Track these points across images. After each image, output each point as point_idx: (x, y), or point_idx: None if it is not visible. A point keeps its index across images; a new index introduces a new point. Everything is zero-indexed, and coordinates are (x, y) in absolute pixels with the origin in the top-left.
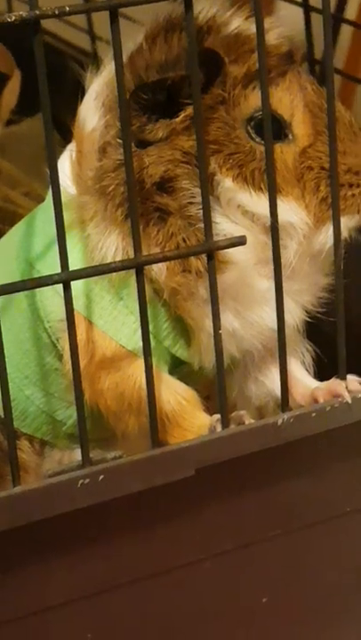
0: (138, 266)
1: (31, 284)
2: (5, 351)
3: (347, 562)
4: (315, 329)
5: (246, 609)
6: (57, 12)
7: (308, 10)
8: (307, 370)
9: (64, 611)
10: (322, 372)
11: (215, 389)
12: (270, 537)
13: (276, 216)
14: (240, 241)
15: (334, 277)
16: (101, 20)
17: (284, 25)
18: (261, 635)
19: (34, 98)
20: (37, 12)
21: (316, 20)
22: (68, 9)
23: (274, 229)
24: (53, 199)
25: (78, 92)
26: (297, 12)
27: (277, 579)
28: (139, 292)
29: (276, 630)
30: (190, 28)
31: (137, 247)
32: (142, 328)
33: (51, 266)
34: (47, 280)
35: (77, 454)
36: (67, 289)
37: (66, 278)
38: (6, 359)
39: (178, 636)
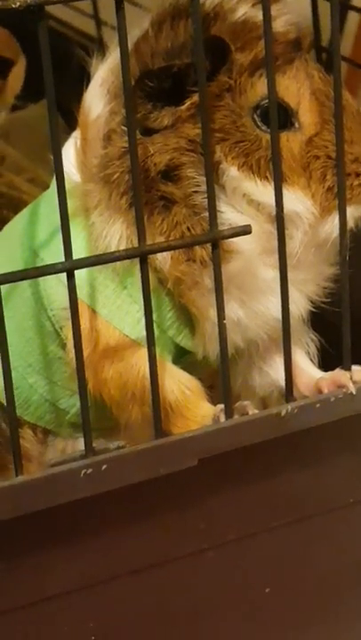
0: (142, 255)
1: (34, 272)
2: (9, 339)
3: (349, 553)
4: (320, 319)
5: (249, 599)
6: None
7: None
8: (311, 360)
9: (67, 600)
10: (329, 363)
11: (219, 379)
12: (273, 527)
13: (282, 205)
14: (245, 230)
15: (339, 267)
16: (107, 6)
17: (292, 11)
18: (264, 625)
19: (39, 83)
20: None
21: (324, 7)
22: None
23: (279, 219)
24: (57, 187)
25: (84, 78)
26: None
27: (280, 569)
28: (143, 281)
29: (278, 620)
30: (196, 15)
31: (141, 236)
32: (146, 317)
33: (55, 254)
34: (50, 269)
35: (81, 443)
36: (70, 278)
37: (69, 267)
38: (10, 347)
39: (180, 625)
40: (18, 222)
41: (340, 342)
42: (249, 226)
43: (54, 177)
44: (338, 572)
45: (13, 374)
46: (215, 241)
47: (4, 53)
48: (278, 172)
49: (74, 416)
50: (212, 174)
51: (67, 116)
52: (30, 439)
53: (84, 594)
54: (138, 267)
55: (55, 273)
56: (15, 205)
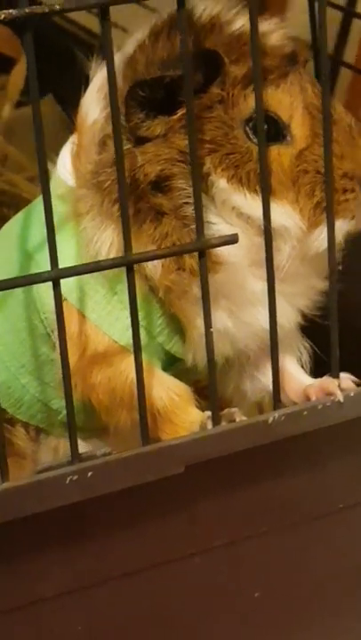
0: (128, 264)
1: (21, 281)
2: (2, 339)
3: (341, 557)
4: (314, 325)
5: (238, 603)
6: (47, 11)
7: (312, 3)
8: (303, 367)
9: (55, 603)
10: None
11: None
12: (261, 533)
13: (270, 219)
14: (232, 239)
15: (328, 279)
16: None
17: (291, 26)
18: (254, 629)
19: (43, 80)
20: (27, 11)
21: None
22: (57, 7)
23: (267, 232)
24: (43, 198)
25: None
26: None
27: (269, 574)
28: (129, 289)
29: (268, 625)
30: (183, 27)
31: (127, 245)
32: (132, 325)
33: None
34: (36, 278)
35: None
36: (56, 286)
37: (55, 276)
38: (4, 347)
39: (168, 629)
40: (15, 224)
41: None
42: (236, 235)
43: (52, 180)
44: (329, 576)
45: (6, 374)
46: (202, 250)
47: (6, 51)
48: (267, 185)
49: (65, 416)
50: (200, 184)
51: (73, 112)
52: (23, 437)
53: (73, 597)
54: (134, 274)
55: (41, 282)
56: (16, 204)
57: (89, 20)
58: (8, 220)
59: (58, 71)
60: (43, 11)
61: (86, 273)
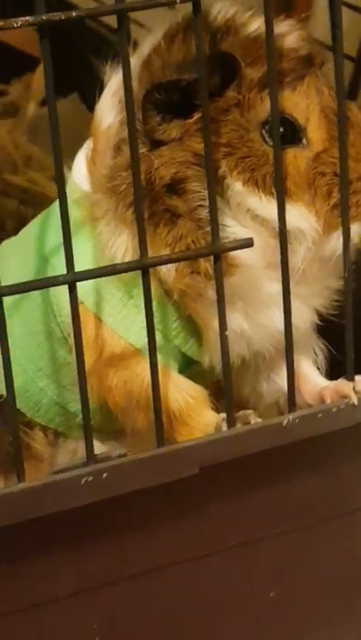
0: (143, 267)
1: (37, 284)
2: (20, 342)
3: (355, 558)
4: (331, 327)
5: (253, 603)
6: (63, 17)
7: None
8: (319, 368)
9: (71, 602)
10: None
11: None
12: (276, 534)
13: (285, 221)
14: (247, 243)
15: (344, 280)
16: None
17: (312, 27)
18: (269, 628)
19: (68, 79)
20: (44, 17)
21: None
22: (74, 13)
23: (282, 234)
24: (60, 203)
25: None
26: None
27: (284, 574)
28: (145, 292)
29: (283, 624)
30: (198, 32)
31: (142, 249)
32: (148, 328)
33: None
34: (53, 281)
35: None
36: (72, 290)
37: (71, 279)
38: (21, 350)
39: (183, 628)
40: (32, 228)
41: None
42: (251, 239)
43: (68, 184)
44: (343, 576)
45: (24, 377)
46: (217, 254)
47: (30, 51)
48: (281, 188)
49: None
50: (215, 187)
51: None
52: (41, 441)
53: (88, 596)
54: (149, 278)
55: (57, 285)
56: (40, 203)
57: (113, 19)
58: (31, 218)
59: (83, 71)
60: (59, 17)
61: (102, 276)
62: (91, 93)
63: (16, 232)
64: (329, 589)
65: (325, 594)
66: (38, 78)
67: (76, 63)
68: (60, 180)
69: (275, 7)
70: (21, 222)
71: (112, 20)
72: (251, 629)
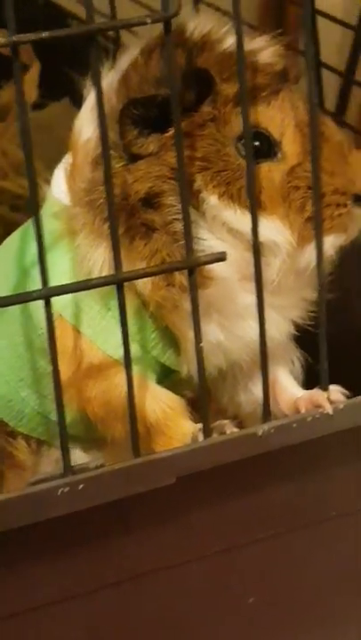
0: (118, 282)
1: (12, 300)
2: (1, 353)
3: (335, 563)
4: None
5: (233, 609)
6: (33, 38)
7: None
8: (296, 378)
9: (52, 610)
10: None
11: (212, 396)
12: (255, 540)
13: (258, 234)
14: (220, 257)
15: (318, 292)
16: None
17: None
18: (250, 634)
19: (61, 83)
20: (15, 39)
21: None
22: (45, 34)
23: (256, 248)
24: (34, 217)
25: None
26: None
27: (263, 580)
28: (120, 306)
29: (263, 630)
30: (170, 51)
31: (117, 264)
32: (124, 341)
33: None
34: (27, 297)
35: (74, 454)
36: (47, 305)
37: (45, 295)
38: (3, 361)
39: (166, 635)
40: (14, 239)
41: (339, 360)
42: (224, 253)
43: (47, 198)
44: (320, 582)
45: (7, 388)
46: (191, 267)
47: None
48: (254, 201)
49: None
50: (189, 202)
51: None
52: (24, 450)
53: (69, 605)
54: (124, 292)
55: (32, 300)
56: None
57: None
58: (21, 224)
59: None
60: (28, 39)
61: (76, 291)
62: (82, 98)
63: (6, 238)
64: (309, 595)
65: (305, 599)
66: (26, 88)
67: (68, 67)
68: (34, 195)
69: (267, 25)
70: (12, 228)
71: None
72: (232, 635)
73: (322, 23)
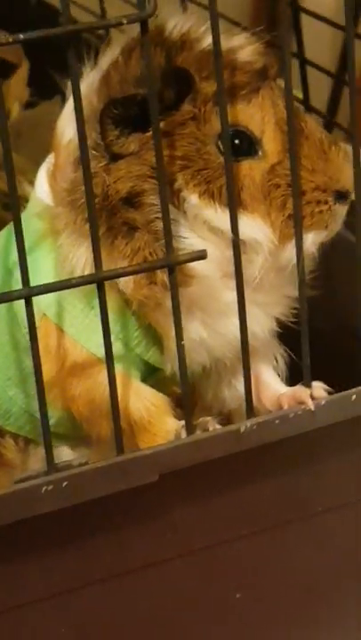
0: (98, 281)
1: None
2: None
3: (318, 561)
4: (294, 334)
5: (220, 604)
6: (10, 40)
7: (297, 10)
8: (279, 375)
9: (38, 607)
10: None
11: (197, 393)
12: (238, 536)
13: (238, 233)
14: (201, 255)
15: (298, 288)
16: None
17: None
18: (236, 629)
19: (51, 81)
20: None
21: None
22: (22, 36)
23: (236, 246)
24: (14, 219)
25: None
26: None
27: (249, 575)
28: (100, 305)
29: (250, 624)
30: (147, 51)
31: (97, 263)
32: (105, 340)
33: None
34: (8, 296)
35: (61, 452)
36: (28, 304)
37: (26, 294)
38: None
39: (150, 631)
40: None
41: (329, 356)
42: (204, 251)
43: (30, 198)
44: (305, 577)
45: None
46: (171, 266)
47: (7, 57)
48: (233, 199)
49: (52, 426)
50: (168, 202)
51: None
52: (12, 448)
53: (55, 602)
54: (105, 291)
55: (13, 300)
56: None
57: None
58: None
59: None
60: (7, 40)
61: (57, 290)
62: None
63: None
64: (299, 591)
65: (296, 595)
66: (14, 87)
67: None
68: (14, 195)
69: (259, 23)
70: (3, 227)
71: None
72: (217, 630)
73: (314, 24)
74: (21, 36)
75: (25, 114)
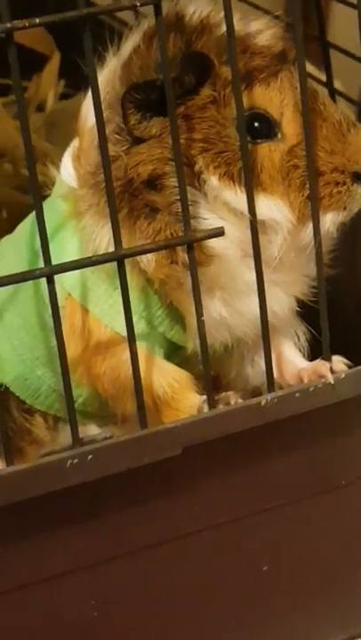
0: (118, 258)
1: (16, 278)
2: (18, 334)
3: (344, 532)
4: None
5: (247, 577)
6: (27, 25)
7: None
8: (300, 350)
9: (66, 580)
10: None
11: (203, 372)
12: (264, 509)
13: (255, 214)
14: (219, 232)
15: (316, 266)
16: None
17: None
18: (263, 602)
19: (82, 74)
20: (9, 25)
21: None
22: (38, 20)
23: (253, 227)
24: (34, 200)
25: None
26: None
27: (276, 548)
28: (121, 283)
29: (277, 597)
30: (161, 34)
31: (117, 241)
32: (126, 318)
33: (54, 254)
34: (30, 274)
35: (89, 429)
36: (50, 282)
37: (48, 272)
38: (19, 341)
39: (178, 603)
40: (27, 223)
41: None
42: (222, 228)
43: (56, 181)
44: (335, 550)
45: (23, 367)
46: (189, 243)
47: (39, 48)
48: (250, 181)
49: (81, 405)
50: (185, 181)
51: None
52: (41, 426)
53: (83, 574)
54: (126, 268)
55: (35, 278)
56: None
57: (127, 15)
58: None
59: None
60: (24, 25)
61: (79, 268)
62: None
63: None
64: (321, 563)
65: (318, 567)
66: (45, 79)
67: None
68: (34, 179)
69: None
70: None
71: (126, 15)
72: (245, 603)
73: (346, 10)
74: (37, 20)
75: (60, 105)
